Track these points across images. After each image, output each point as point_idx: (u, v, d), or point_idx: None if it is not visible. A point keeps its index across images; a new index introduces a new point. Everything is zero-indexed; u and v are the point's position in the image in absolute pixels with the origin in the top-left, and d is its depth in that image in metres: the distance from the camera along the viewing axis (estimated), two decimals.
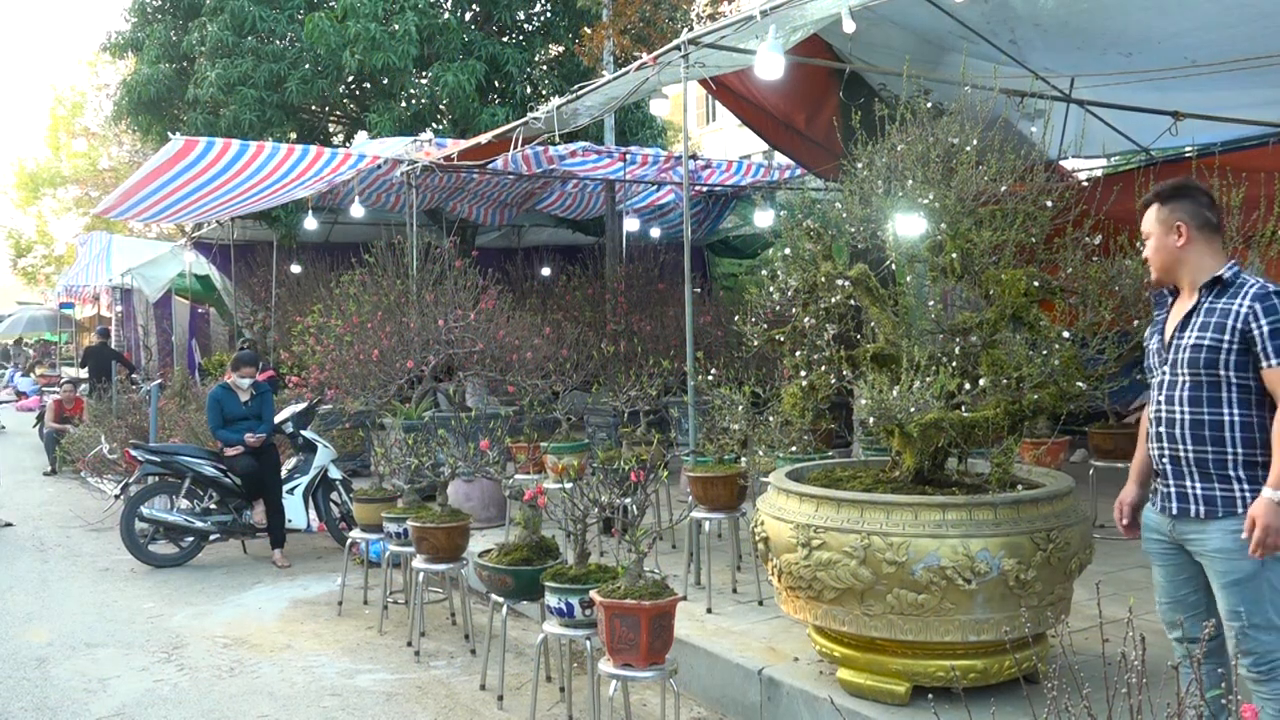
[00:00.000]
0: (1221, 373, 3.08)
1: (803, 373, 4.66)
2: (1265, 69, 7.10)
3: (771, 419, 5.10)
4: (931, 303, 4.41)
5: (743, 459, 5.94)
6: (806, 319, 4.68)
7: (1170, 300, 3.33)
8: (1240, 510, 3.02)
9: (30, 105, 67.80)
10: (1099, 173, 10.45)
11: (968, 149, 4.30)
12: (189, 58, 14.53)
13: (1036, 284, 4.25)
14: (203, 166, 9.31)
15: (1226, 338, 3.06)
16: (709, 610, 5.58)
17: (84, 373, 16.09)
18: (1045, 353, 4.13)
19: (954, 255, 4.24)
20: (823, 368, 4.57)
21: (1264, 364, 3.00)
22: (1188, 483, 3.15)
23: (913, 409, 4.03)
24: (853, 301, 4.62)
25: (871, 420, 4.18)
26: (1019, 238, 4.30)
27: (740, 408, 5.21)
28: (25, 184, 36.34)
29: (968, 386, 4.15)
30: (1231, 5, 6.52)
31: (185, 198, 10.28)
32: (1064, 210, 4.42)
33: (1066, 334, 4.18)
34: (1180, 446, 3.17)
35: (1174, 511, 3.18)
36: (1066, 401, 4.15)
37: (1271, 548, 2.91)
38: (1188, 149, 9.26)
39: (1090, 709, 2.19)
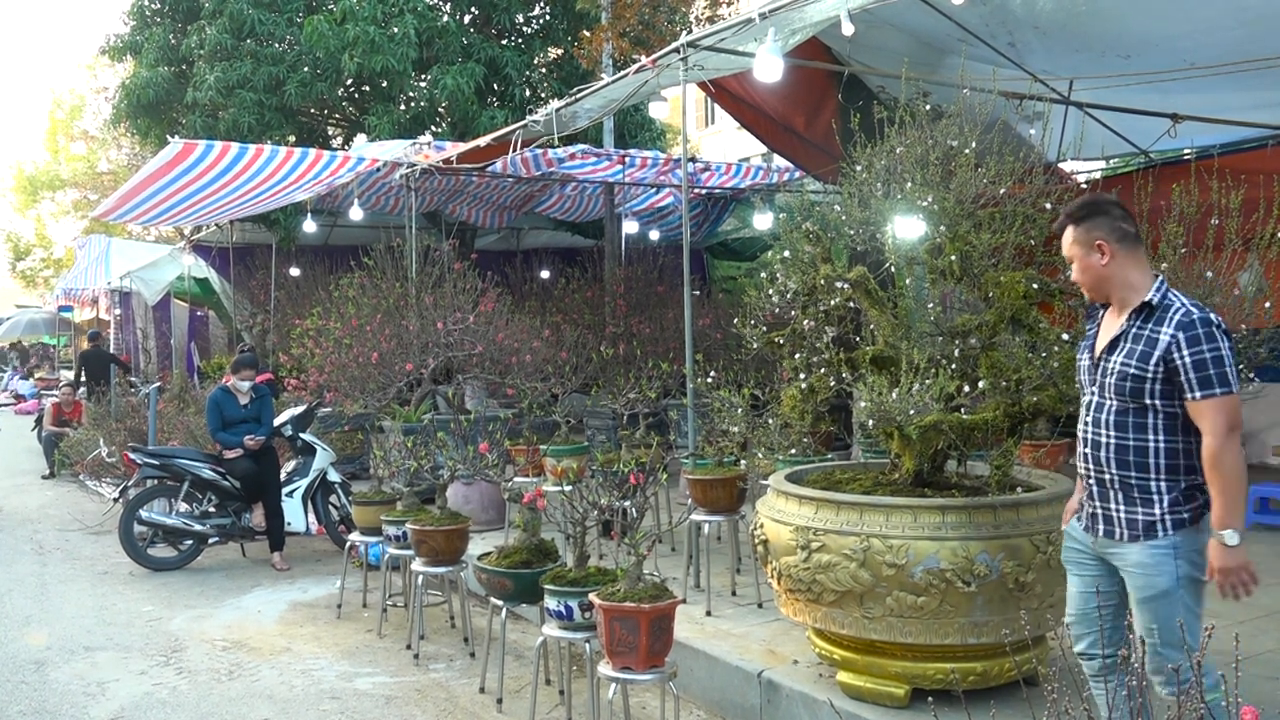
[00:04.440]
0: (1147, 400, 3.04)
1: (802, 375, 4.66)
2: (1264, 71, 7.10)
3: (771, 421, 5.10)
4: (931, 305, 4.41)
5: (742, 461, 5.94)
6: (806, 321, 4.68)
7: (1101, 314, 3.29)
8: (1160, 533, 3.01)
9: (29, 108, 67.85)
10: (1098, 175, 10.45)
11: (967, 151, 4.30)
12: (188, 61, 14.52)
13: (1036, 286, 4.26)
14: (201, 169, 9.30)
15: (1151, 366, 3.01)
16: (708, 613, 5.58)
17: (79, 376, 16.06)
18: (1044, 355, 4.14)
19: (953, 258, 4.24)
20: (822, 370, 4.57)
21: (1188, 395, 2.95)
22: (1112, 505, 3.14)
23: (912, 411, 4.03)
24: (852, 304, 4.62)
25: (871, 423, 4.18)
26: (1018, 240, 4.30)
27: (739, 410, 5.20)
28: (24, 187, 36.29)
29: (967, 389, 4.16)
30: (1230, 8, 6.53)
31: (184, 201, 10.27)
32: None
33: (1066, 336, 4.18)
34: (1105, 470, 3.15)
35: (1099, 533, 3.18)
36: (1066, 404, 4.14)
37: (1240, 585, 2.89)
38: (1186, 151, 9.26)
39: (1090, 711, 2.19)
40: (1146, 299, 3.06)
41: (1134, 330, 3.08)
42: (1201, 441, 2.95)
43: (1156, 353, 3.00)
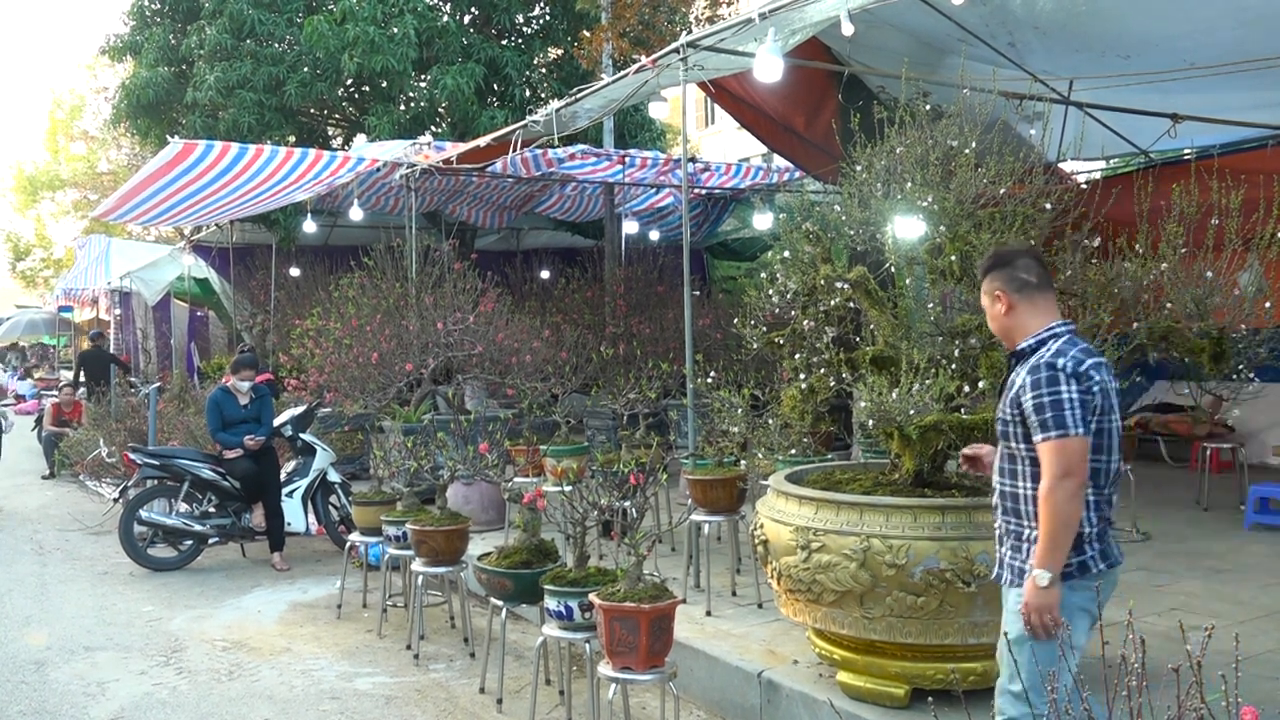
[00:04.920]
0: (1014, 445, 3.05)
1: (802, 375, 4.66)
2: (1264, 71, 7.11)
3: (771, 421, 5.10)
4: (931, 305, 4.41)
5: (742, 462, 5.94)
6: (806, 321, 4.68)
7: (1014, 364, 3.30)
8: (1023, 578, 2.98)
9: (29, 108, 67.83)
10: (1098, 175, 10.45)
11: (966, 151, 4.30)
12: (188, 61, 14.52)
13: None
14: (201, 169, 9.30)
15: (1010, 411, 3.02)
16: (708, 613, 5.58)
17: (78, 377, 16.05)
18: None
19: (953, 258, 4.24)
20: (822, 370, 4.57)
21: (1034, 438, 2.94)
22: (1002, 550, 3.17)
23: (912, 411, 4.03)
24: (852, 304, 4.62)
25: (871, 423, 4.18)
26: (1018, 240, 4.29)
27: (739, 410, 5.21)
28: (24, 187, 36.28)
29: (967, 389, 4.16)
30: (1230, 8, 6.53)
31: (184, 201, 10.27)
32: (1063, 212, 4.43)
33: None
34: (996, 516, 3.20)
35: (994, 577, 3.22)
36: None
37: (1041, 627, 2.86)
38: (1186, 151, 9.27)
39: (1090, 711, 2.19)
40: (1021, 345, 3.07)
41: (1010, 376, 3.11)
42: (1040, 487, 2.93)
43: (1011, 395, 3.02)
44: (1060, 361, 2.89)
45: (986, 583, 3.86)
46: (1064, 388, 2.86)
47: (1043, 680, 2.76)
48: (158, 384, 13.16)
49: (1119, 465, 3.01)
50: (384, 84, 13.83)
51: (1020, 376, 2.99)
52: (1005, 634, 2.98)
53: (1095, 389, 2.88)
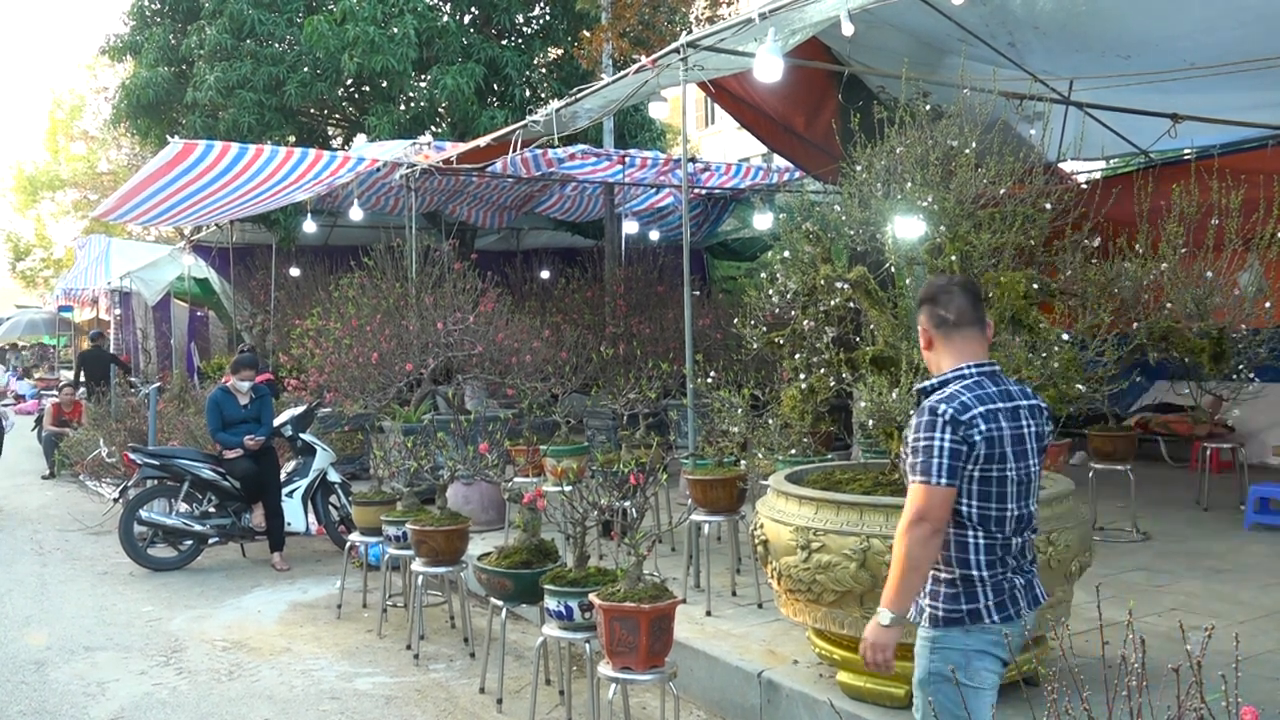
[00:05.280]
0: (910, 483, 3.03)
1: (802, 375, 4.66)
2: (1264, 71, 7.11)
3: (771, 421, 5.10)
4: None
5: (742, 462, 5.93)
6: (806, 321, 4.68)
7: None
8: (927, 623, 2.93)
9: (29, 108, 67.84)
10: (1098, 175, 10.45)
11: (967, 151, 4.30)
12: (188, 61, 14.52)
13: (1036, 286, 4.26)
14: (201, 169, 9.31)
15: (907, 448, 2.99)
16: (708, 613, 5.58)
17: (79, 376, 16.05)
18: (1044, 355, 4.14)
19: (953, 258, 4.24)
20: (822, 370, 4.57)
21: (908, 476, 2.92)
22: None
23: (912, 411, 4.02)
24: (852, 304, 4.62)
25: (871, 423, 4.18)
26: (1018, 240, 4.30)
27: (739, 410, 5.21)
28: (24, 187, 36.29)
29: None
30: (1230, 8, 6.54)
31: (184, 201, 10.28)
32: (1063, 213, 4.43)
33: (1066, 336, 4.18)
34: None
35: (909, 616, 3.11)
36: (1066, 404, 4.15)
37: (874, 665, 2.88)
38: (1186, 151, 9.27)
39: (1090, 712, 2.19)
40: (926, 384, 3.03)
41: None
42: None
43: (908, 433, 3.01)
44: (942, 408, 2.84)
45: None
46: (937, 435, 2.81)
47: None
48: (158, 384, 13.16)
49: (1028, 510, 2.91)
50: (384, 84, 13.83)
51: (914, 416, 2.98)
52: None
53: (978, 437, 2.80)
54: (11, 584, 7.68)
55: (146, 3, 15.44)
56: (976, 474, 2.82)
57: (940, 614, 2.89)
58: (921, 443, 2.84)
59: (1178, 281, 4.65)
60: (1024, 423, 2.90)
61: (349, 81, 14.31)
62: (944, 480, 2.79)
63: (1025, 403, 2.94)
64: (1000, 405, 2.87)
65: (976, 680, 2.83)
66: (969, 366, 2.94)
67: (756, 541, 4.47)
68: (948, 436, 2.80)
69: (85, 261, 19.56)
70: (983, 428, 2.81)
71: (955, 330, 2.98)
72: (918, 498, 2.82)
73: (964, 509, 2.85)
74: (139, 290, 17.91)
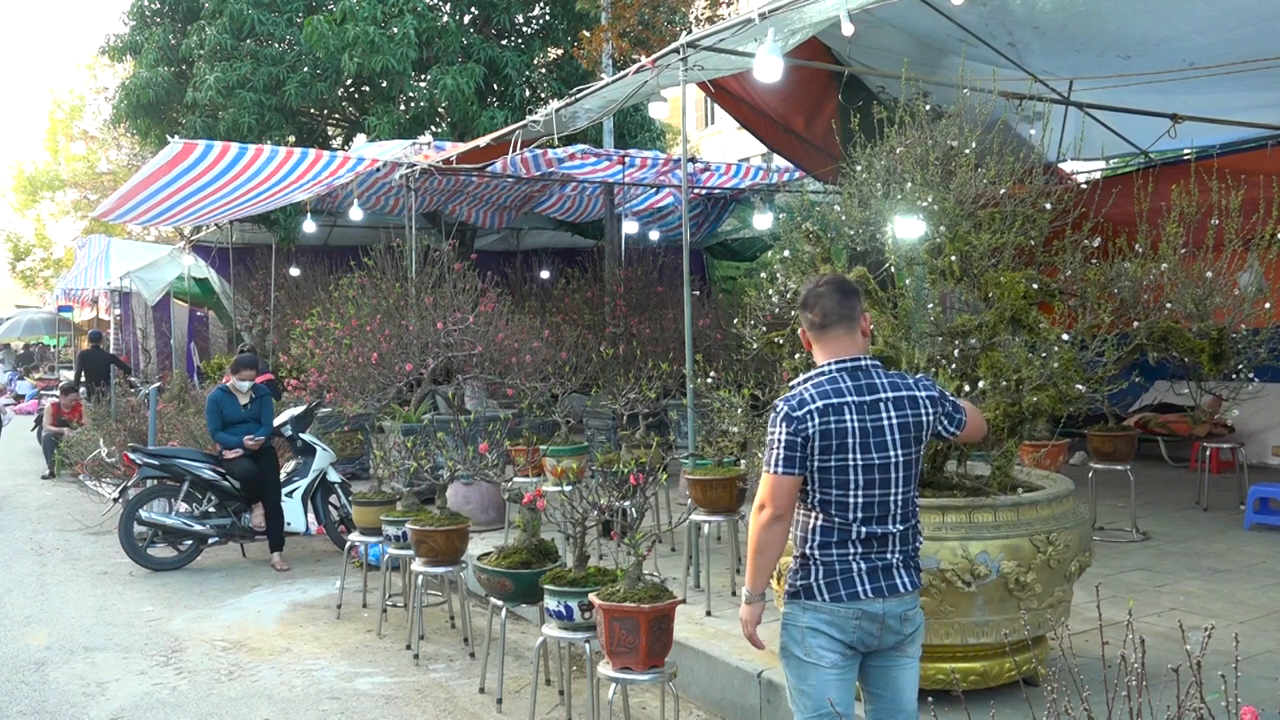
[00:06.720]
0: None
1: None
2: (1264, 71, 7.11)
3: None
4: (931, 305, 4.41)
5: (742, 461, 5.93)
6: None
7: None
8: (786, 601, 3.07)
9: (29, 108, 67.84)
10: (1098, 175, 10.46)
11: (966, 151, 4.30)
12: (188, 61, 14.52)
13: (1035, 286, 4.25)
14: (201, 169, 9.30)
15: None
16: (708, 613, 5.58)
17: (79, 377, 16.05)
18: (1044, 355, 4.14)
19: (953, 258, 4.24)
20: None
21: None
22: None
23: None
24: None
25: None
26: (1018, 240, 4.30)
27: (739, 410, 5.20)
28: (24, 187, 36.29)
29: (967, 389, 4.16)
30: (1230, 8, 6.53)
31: (184, 201, 10.28)
32: (1063, 213, 4.43)
33: (1066, 336, 4.18)
34: None
35: None
36: (1066, 404, 4.15)
37: (747, 638, 3.08)
38: (1186, 151, 9.27)
39: (1090, 712, 2.19)
40: (791, 382, 3.16)
41: None
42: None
43: None
44: (780, 405, 3.00)
45: (986, 583, 3.87)
46: (777, 429, 2.97)
47: (802, 698, 2.97)
48: (157, 384, 13.16)
49: (890, 498, 2.96)
50: (384, 84, 13.83)
51: None
52: None
53: (811, 430, 2.91)
54: (11, 584, 7.68)
55: (146, 3, 15.43)
56: (817, 463, 2.95)
57: (787, 589, 3.05)
58: (769, 435, 3.01)
59: (1177, 282, 4.65)
60: (884, 414, 2.98)
61: (349, 81, 14.30)
62: (780, 469, 2.95)
63: (892, 395, 3.01)
64: (850, 399, 2.97)
65: (814, 657, 2.97)
66: (829, 364, 3.06)
67: None
68: (783, 430, 2.95)
69: (85, 261, 19.56)
70: (817, 421, 2.93)
71: (824, 331, 3.11)
72: (762, 486, 2.99)
73: (809, 494, 2.99)
74: (139, 290, 17.91)
